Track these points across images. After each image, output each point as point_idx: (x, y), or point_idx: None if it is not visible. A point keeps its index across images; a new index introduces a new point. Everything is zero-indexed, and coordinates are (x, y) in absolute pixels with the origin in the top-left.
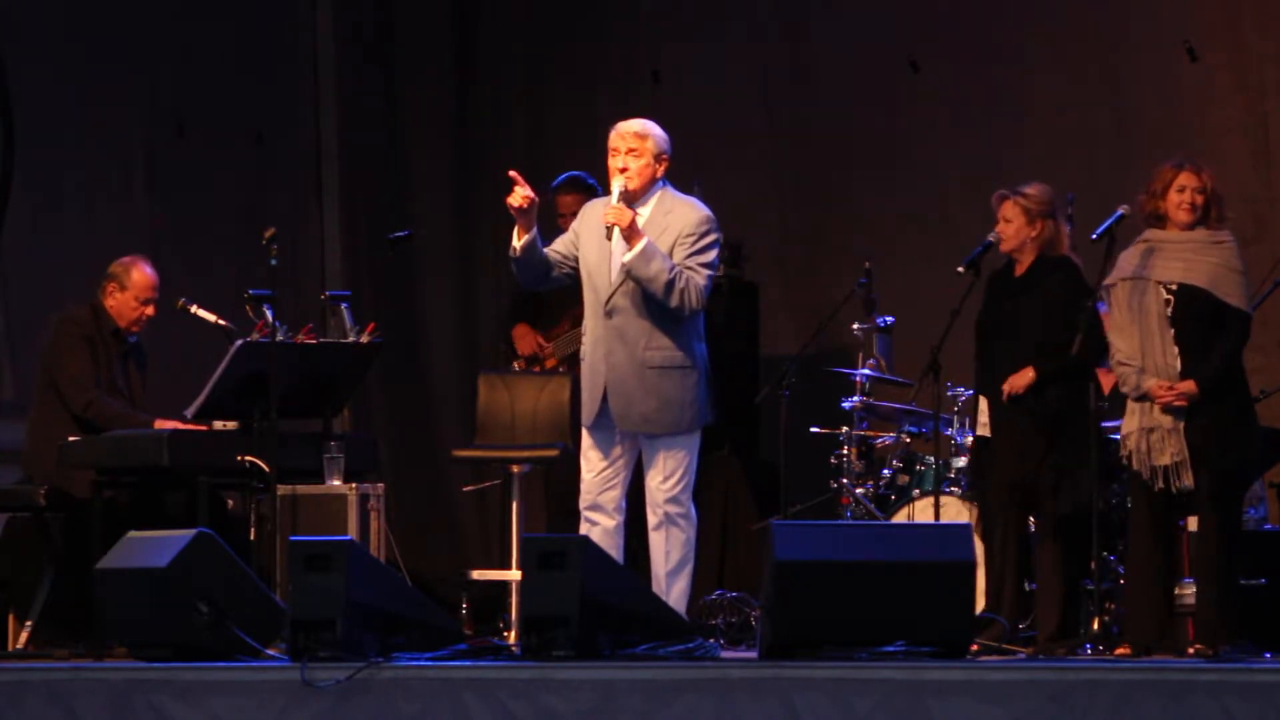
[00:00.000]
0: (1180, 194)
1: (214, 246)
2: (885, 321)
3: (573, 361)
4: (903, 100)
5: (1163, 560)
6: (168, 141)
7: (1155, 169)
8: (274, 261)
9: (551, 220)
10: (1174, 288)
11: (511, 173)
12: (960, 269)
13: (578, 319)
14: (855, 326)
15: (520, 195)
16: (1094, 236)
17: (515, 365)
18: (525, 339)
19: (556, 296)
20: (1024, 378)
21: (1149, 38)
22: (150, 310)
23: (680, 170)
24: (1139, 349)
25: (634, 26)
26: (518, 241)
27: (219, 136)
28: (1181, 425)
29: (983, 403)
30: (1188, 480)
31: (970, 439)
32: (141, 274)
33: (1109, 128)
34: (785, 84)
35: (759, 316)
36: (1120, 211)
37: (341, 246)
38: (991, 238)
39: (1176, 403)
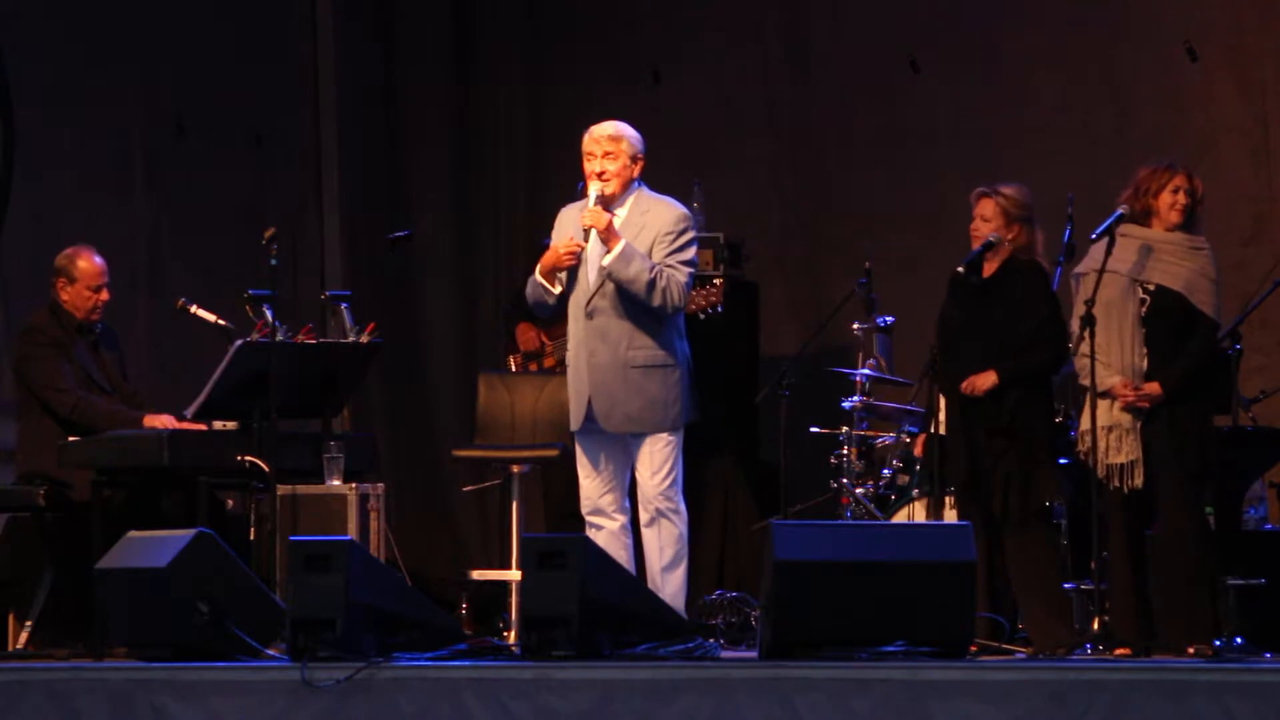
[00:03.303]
0: (1175, 195)
1: (214, 246)
2: (885, 321)
3: None
4: (903, 100)
5: (1140, 561)
6: (168, 141)
7: (1144, 169)
8: (274, 261)
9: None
10: (1151, 288)
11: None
12: (960, 269)
13: None
14: (855, 326)
15: (572, 246)
16: (1094, 236)
17: (512, 360)
18: (528, 334)
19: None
20: (986, 380)
21: (1149, 38)
22: (104, 295)
23: (680, 170)
24: (1105, 342)
25: (634, 26)
26: (557, 290)
27: (219, 136)
28: (1139, 425)
29: (942, 400)
30: (1139, 481)
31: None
32: (88, 262)
33: (1109, 128)
34: (785, 84)
35: (759, 316)
36: (1120, 211)
37: (341, 246)
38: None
39: (1139, 404)
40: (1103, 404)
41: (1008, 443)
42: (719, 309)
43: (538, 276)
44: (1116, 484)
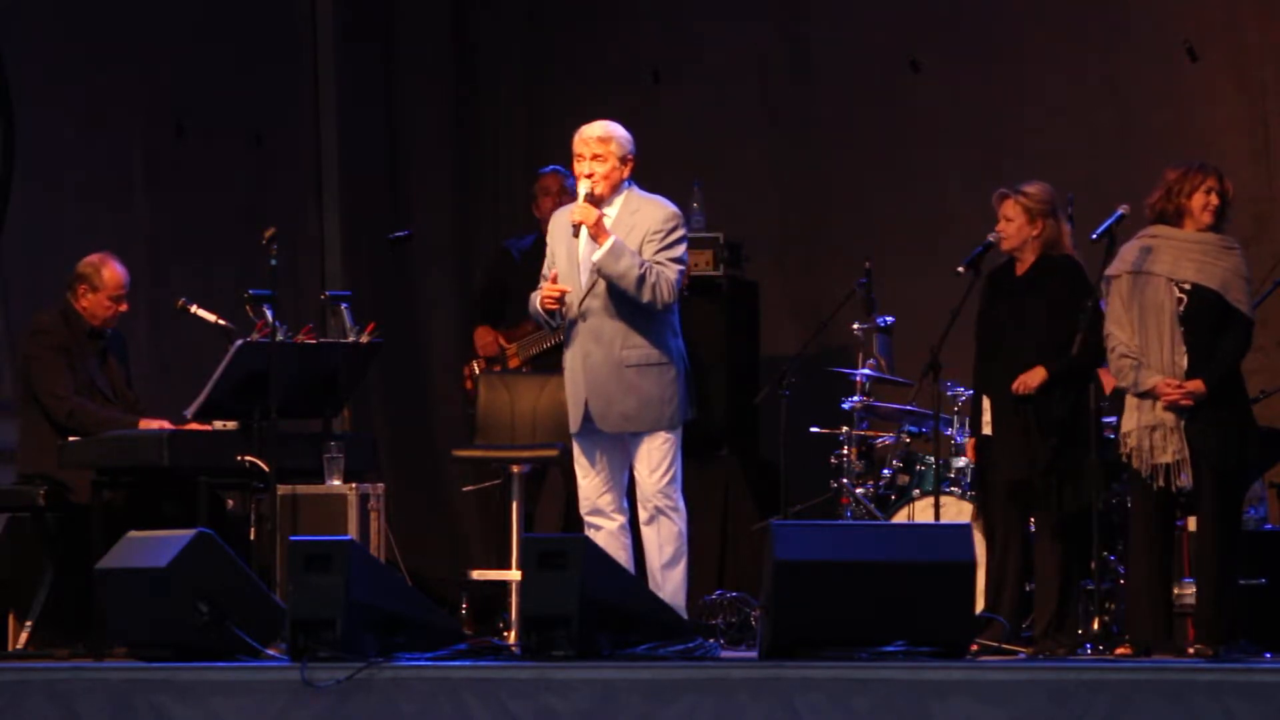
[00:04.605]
0: (1207, 195)
1: (214, 246)
2: (885, 321)
3: (536, 362)
4: (903, 100)
5: (1161, 559)
6: (168, 142)
7: (1174, 170)
8: (274, 261)
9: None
10: (1187, 287)
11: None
12: (960, 269)
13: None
14: (855, 326)
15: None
16: (1094, 236)
17: (476, 366)
18: (486, 339)
19: (525, 297)
20: (1036, 376)
21: (1149, 38)
22: (124, 307)
23: (680, 170)
24: (1141, 343)
25: (634, 26)
26: (557, 322)
27: (219, 137)
28: (1183, 424)
29: (985, 401)
30: (1187, 480)
31: (969, 438)
32: (112, 272)
33: (1109, 128)
34: (785, 84)
35: (759, 316)
36: (1120, 211)
37: (341, 246)
38: (992, 237)
39: (1183, 402)
40: (1145, 404)
41: (1060, 442)
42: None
43: (537, 307)
44: (1161, 484)
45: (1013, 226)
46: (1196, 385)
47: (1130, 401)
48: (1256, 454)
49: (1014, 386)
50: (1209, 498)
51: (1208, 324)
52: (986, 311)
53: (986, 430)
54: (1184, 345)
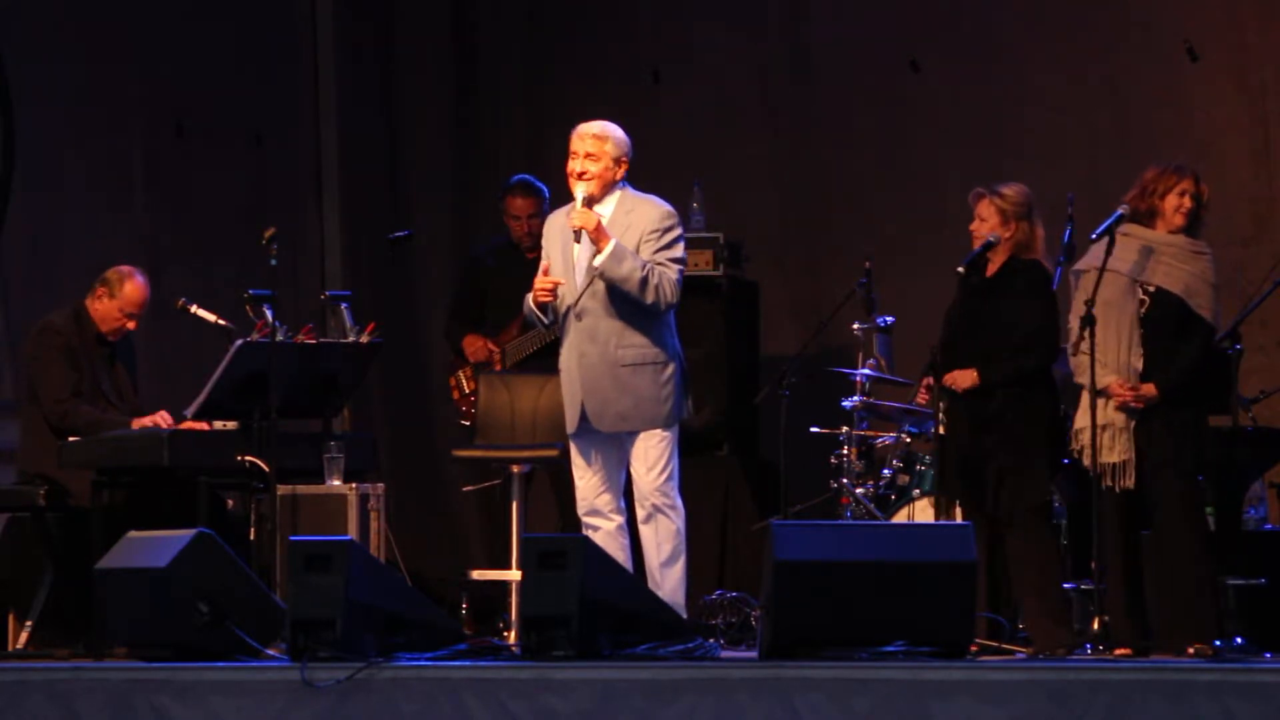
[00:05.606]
0: (1181, 198)
1: (214, 246)
2: (885, 321)
3: (526, 364)
4: (903, 100)
5: (1130, 559)
6: (168, 142)
7: (1152, 169)
8: (274, 261)
9: (499, 220)
10: (1151, 289)
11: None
12: (960, 269)
13: (528, 323)
14: (855, 326)
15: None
16: (1094, 236)
17: (463, 375)
18: (476, 345)
19: (502, 300)
20: (966, 378)
21: (1149, 38)
22: (132, 324)
23: (680, 170)
24: (1102, 341)
25: (634, 26)
26: (549, 318)
27: (219, 137)
28: (1133, 425)
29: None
30: (1130, 481)
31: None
32: (134, 288)
33: (1109, 128)
34: (785, 84)
35: (759, 316)
36: (1120, 211)
37: (341, 246)
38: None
39: (1134, 404)
40: (1097, 402)
41: (996, 441)
42: None
43: (532, 305)
44: (1109, 483)
45: (985, 226)
46: (1149, 390)
47: (1084, 400)
48: (1207, 461)
49: (944, 380)
50: (1167, 502)
51: (1168, 328)
52: (953, 309)
53: (942, 429)
54: (1140, 347)
